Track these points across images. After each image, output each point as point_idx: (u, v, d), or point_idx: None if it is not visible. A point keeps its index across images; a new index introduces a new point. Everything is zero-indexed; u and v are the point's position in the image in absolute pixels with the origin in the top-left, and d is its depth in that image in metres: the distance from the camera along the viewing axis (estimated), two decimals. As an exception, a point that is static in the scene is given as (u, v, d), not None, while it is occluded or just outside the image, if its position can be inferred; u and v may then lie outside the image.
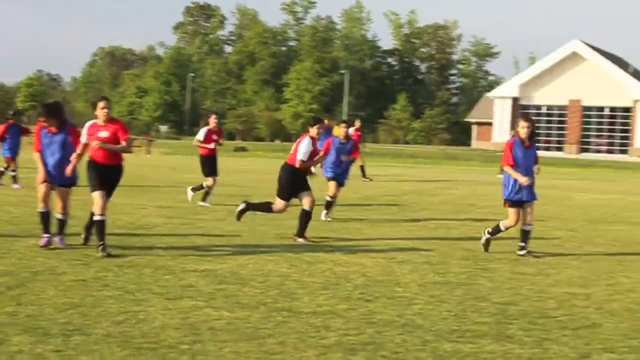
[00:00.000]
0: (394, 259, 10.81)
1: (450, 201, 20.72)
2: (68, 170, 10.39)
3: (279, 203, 12.46)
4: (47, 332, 6.43)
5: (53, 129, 10.45)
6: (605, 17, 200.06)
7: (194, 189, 17.40)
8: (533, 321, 7.44)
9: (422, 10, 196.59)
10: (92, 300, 7.67)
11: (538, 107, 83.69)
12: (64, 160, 10.45)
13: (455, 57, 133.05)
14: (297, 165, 12.26)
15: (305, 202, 12.16)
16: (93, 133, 10.37)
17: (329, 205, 15.27)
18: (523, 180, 11.28)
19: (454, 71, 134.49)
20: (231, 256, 10.49)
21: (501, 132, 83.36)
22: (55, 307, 7.32)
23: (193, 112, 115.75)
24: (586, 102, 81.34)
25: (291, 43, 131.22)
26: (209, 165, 17.21)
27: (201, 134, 17.25)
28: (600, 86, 79.40)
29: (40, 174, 10.57)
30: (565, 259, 11.49)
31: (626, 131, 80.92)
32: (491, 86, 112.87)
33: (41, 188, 10.61)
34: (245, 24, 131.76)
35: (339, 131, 15.88)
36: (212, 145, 17.06)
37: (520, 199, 11.54)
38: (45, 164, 10.53)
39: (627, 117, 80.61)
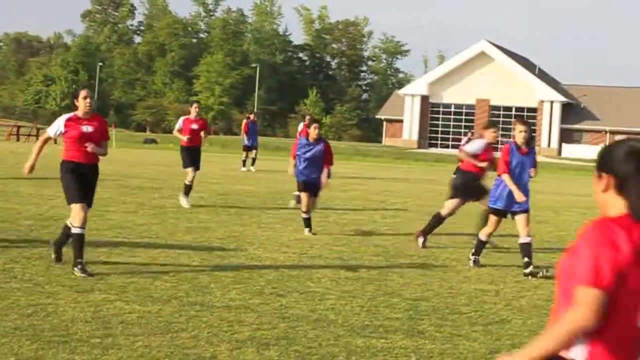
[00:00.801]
0: (306, 254, 10.85)
1: (361, 197, 20.91)
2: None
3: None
4: (-49, 326, 6.24)
5: None
6: (514, 18, 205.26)
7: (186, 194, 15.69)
8: (444, 317, 7.58)
9: (333, 6, 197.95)
10: (-1, 293, 7.47)
11: (447, 106, 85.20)
12: None
13: (365, 53, 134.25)
14: None
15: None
16: (74, 128, 8.82)
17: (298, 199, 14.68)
18: (518, 196, 10.26)
19: (364, 68, 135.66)
20: (142, 249, 10.35)
21: (411, 130, 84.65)
22: (-40, 300, 7.10)
23: (101, 102, 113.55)
24: (494, 102, 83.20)
25: (202, 35, 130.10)
26: (189, 156, 15.85)
27: (179, 123, 16.29)
28: (507, 86, 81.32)
29: None
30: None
31: (532, 131, 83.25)
32: (401, 84, 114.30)
33: None
34: (155, 14, 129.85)
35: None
36: (184, 137, 15.82)
37: (504, 209, 10.55)
38: None
39: (533, 118, 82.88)
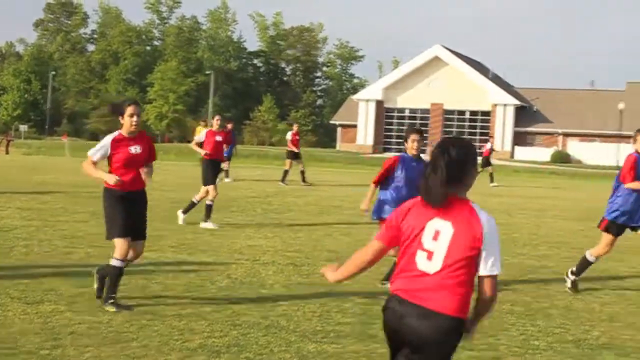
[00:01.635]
0: (258, 261, 10.86)
1: (315, 202, 20.96)
2: None
3: None
4: None
5: None
6: (467, 23, 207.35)
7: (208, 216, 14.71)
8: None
9: (288, 13, 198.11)
10: (-56, 306, 7.38)
11: (401, 110, 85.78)
12: None
13: (320, 59, 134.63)
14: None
15: None
16: (121, 150, 7.79)
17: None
18: None
19: (319, 74, 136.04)
20: (94, 259, 10.28)
21: (365, 135, 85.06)
22: None
23: (54, 111, 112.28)
24: (448, 106, 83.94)
25: (156, 43, 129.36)
26: (213, 172, 14.99)
27: (201, 135, 15.43)
28: (461, 90, 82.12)
29: None
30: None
31: (485, 134, 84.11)
32: (356, 89, 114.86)
33: None
34: (109, 22, 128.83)
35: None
36: (204, 152, 14.84)
37: (625, 223, 9.65)
38: None
39: (486, 121, 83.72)
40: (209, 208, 14.63)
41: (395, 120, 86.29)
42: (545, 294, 9.45)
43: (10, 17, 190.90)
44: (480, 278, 3.85)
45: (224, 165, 26.90)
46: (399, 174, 9.35)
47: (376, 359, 6.35)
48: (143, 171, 7.95)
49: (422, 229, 3.89)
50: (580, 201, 26.51)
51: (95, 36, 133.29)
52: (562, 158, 72.52)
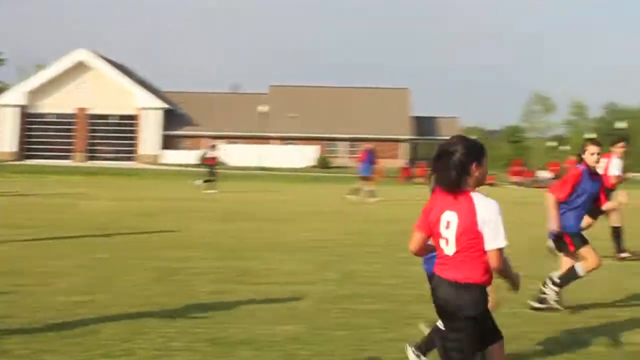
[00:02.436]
0: None
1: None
2: None
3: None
4: None
5: None
6: (114, 26, 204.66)
7: None
8: (31, 333, 7.35)
9: None
10: None
11: (46, 116, 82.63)
12: None
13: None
14: None
15: None
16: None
17: None
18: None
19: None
20: None
21: (10, 143, 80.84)
22: None
23: None
24: (93, 111, 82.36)
25: None
26: None
27: None
28: (107, 95, 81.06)
29: None
30: (63, 267, 11.47)
31: (132, 138, 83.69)
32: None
33: None
34: None
35: None
36: None
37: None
38: None
39: (132, 125, 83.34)
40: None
41: (39, 126, 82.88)
42: (185, 292, 9.61)
43: None
44: (487, 252, 4.68)
45: None
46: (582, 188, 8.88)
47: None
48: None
49: (439, 220, 4.81)
50: (222, 202, 27.35)
51: None
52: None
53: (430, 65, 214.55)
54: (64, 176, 49.76)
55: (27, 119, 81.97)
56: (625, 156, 13.94)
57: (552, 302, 8.72)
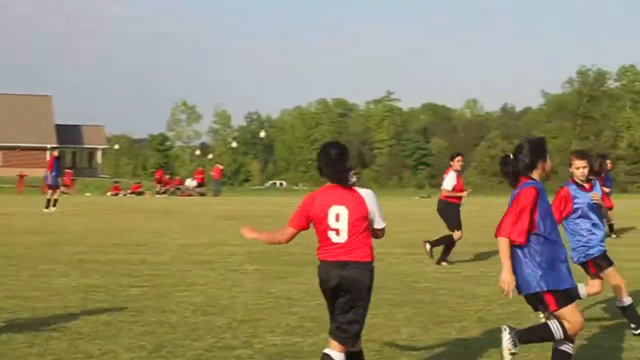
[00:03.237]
0: None
1: None
2: None
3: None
4: None
5: None
6: None
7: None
8: None
9: None
10: None
11: None
12: None
13: None
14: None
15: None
16: None
17: None
18: None
19: None
20: None
21: None
22: None
23: None
24: None
25: None
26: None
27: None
28: None
29: None
30: None
31: None
32: None
33: None
34: None
35: None
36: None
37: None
38: None
39: None
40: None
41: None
42: None
43: None
44: (375, 230, 5.82)
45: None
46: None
47: None
48: None
49: (326, 215, 5.66)
50: None
51: None
52: None
53: (73, 72, 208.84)
54: None
55: None
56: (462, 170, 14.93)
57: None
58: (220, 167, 56.83)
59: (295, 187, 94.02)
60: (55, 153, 32.32)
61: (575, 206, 8.16)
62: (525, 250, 5.87)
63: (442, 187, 15.03)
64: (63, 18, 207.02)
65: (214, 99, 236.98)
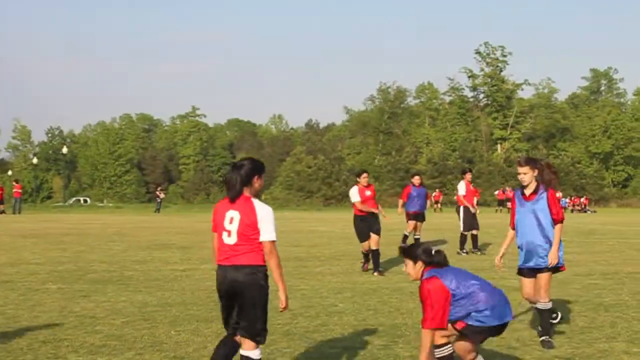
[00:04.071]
0: None
1: None
2: None
3: None
4: None
5: None
6: None
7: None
8: None
9: None
10: None
11: None
12: None
13: None
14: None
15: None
16: None
17: None
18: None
19: None
20: None
21: None
22: None
23: None
24: None
25: None
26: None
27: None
28: None
29: None
30: None
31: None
32: None
33: None
34: None
35: None
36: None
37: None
38: None
39: None
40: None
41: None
42: None
43: None
44: (262, 242, 6.05)
45: None
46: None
47: None
48: None
49: (223, 216, 6.13)
50: None
51: None
52: None
53: None
54: None
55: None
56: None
57: None
58: (17, 184, 54.06)
59: (100, 204, 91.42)
60: None
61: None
62: None
63: (353, 202, 16.17)
64: None
65: (12, 114, 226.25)
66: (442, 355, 6.24)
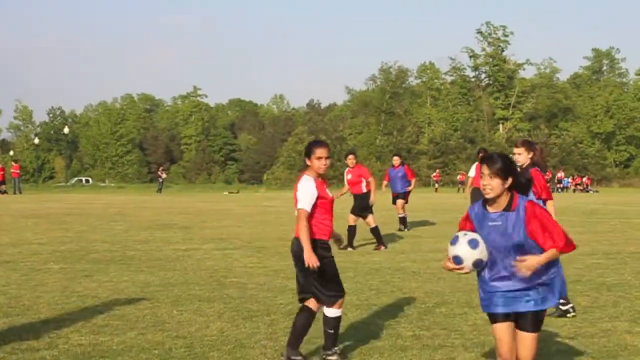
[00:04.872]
0: None
1: None
2: None
3: None
4: None
5: None
6: None
7: None
8: None
9: None
10: None
11: None
12: None
13: None
14: None
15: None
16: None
17: None
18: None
19: None
20: None
21: None
22: None
23: None
24: None
25: None
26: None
27: None
28: None
29: None
30: None
31: None
32: None
33: None
34: None
35: None
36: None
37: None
38: None
39: None
40: None
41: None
42: None
43: None
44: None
45: None
46: None
47: None
48: None
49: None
50: None
51: None
52: None
53: None
54: None
55: None
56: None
57: None
58: (15, 164, 53.91)
59: (102, 184, 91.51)
60: None
61: None
62: None
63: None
64: None
65: (13, 94, 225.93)
66: None
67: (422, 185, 78.98)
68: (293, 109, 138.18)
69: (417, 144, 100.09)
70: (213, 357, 7.06)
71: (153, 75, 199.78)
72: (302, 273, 6.92)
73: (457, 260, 5.27)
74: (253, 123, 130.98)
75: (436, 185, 70.09)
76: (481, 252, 5.24)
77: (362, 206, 16.43)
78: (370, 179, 16.48)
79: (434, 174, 75.17)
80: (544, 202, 8.63)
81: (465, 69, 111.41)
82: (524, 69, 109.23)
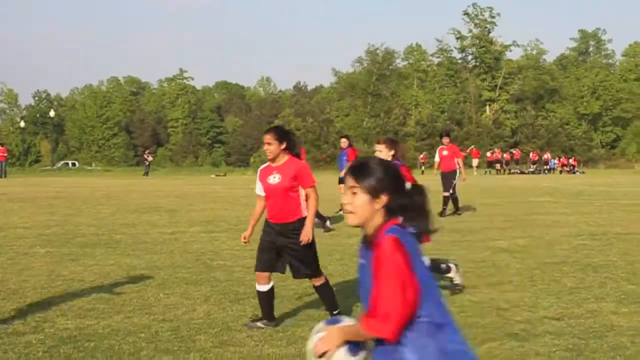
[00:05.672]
0: None
1: None
2: None
3: None
4: None
5: None
6: None
7: None
8: None
9: None
10: None
11: None
12: None
13: None
14: None
15: None
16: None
17: None
18: None
19: None
20: None
21: None
22: None
23: None
24: None
25: None
26: None
27: None
28: None
29: None
30: None
31: None
32: None
33: None
34: None
35: None
36: None
37: None
38: None
39: None
40: None
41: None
42: None
43: None
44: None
45: None
46: None
47: None
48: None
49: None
50: None
51: None
52: None
53: None
54: None
55: None
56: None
57: None
58: (1, 147, 53.52)
59: (89, 167, 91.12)
60: None
61: None
62: None
63: None
64: None
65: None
66: None
67: (410, 167, 78.83)
68: (280, 91, 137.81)
69: (404, 126, 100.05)
70: (200, 340, 7.05)
71: (139, 58, 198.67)
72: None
73: None
74: (240, 106, 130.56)
75: (422, 167, 70.24)
76: None
77: None
78: None
79: (421, 155, 75.21)
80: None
81: (452, 50, 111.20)
82: (510, 51, 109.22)
